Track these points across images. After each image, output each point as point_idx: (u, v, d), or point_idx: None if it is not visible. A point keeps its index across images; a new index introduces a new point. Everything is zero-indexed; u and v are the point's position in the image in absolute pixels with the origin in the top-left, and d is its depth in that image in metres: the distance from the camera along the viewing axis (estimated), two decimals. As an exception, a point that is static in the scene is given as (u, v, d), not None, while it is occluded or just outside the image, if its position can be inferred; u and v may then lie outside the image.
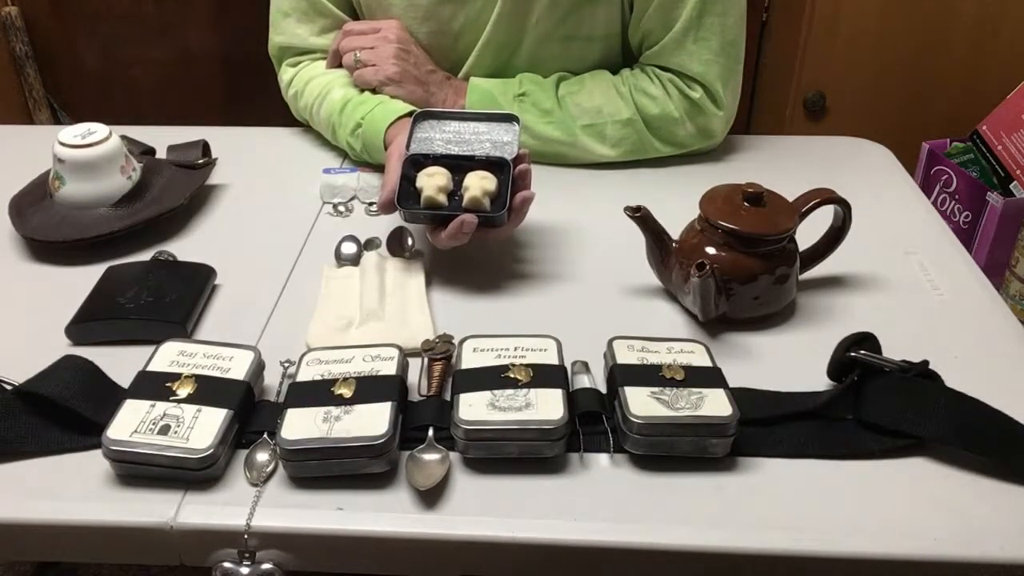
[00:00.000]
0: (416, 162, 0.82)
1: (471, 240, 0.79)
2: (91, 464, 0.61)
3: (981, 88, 1.63)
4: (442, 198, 0.79)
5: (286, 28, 1.04)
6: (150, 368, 0.65)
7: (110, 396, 0.65)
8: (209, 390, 0.63)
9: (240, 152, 1.04)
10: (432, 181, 0.79)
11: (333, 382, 0.64)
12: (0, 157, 1.06)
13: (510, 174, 0.80)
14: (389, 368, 0.66)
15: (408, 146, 0.84)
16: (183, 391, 0.63)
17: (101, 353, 0.70)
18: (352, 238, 0.87)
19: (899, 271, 0.84)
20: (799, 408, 0.66)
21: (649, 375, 0.65)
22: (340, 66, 1.02)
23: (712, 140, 1.02)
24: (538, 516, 0.58)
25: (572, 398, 0.64)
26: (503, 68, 1.02)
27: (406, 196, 0.80)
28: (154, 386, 0.63)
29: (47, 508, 0.59)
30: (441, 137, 0.85)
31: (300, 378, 0.65)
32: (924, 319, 0.77)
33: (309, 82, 1.03)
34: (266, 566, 0.58)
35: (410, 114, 0.93)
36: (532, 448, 0.61)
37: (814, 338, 0.74)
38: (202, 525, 0.58)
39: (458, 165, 0.82)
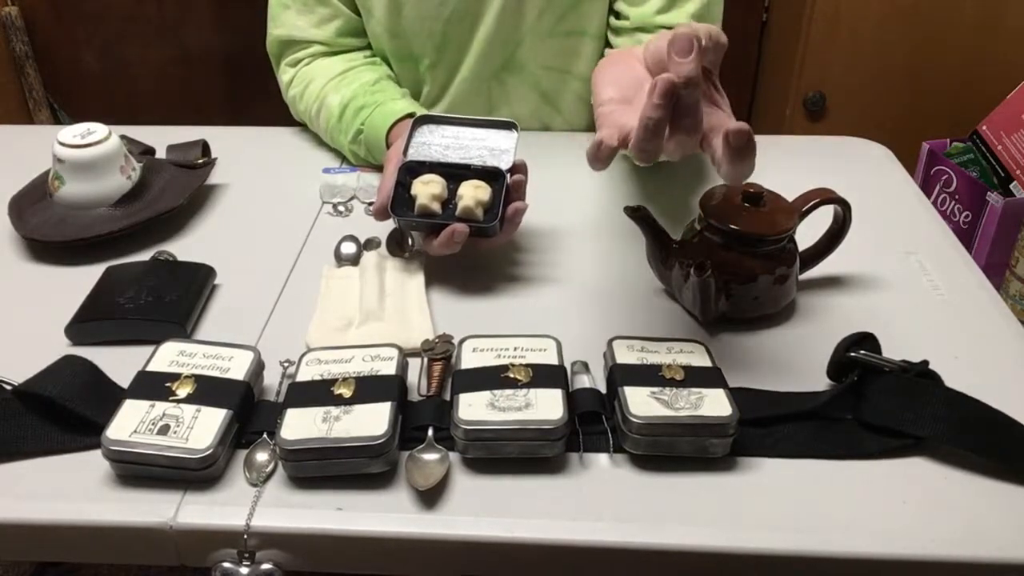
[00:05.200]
0: (412, 169, 0.82)
1: (463, 249, 0.79)
2: (90, 464, 0.61)
3: (981, 88, 1.63)
4: (436, 206, 0.79)
5: (286, 20, 1.04)
6: (149, 368, 0.65)
7: (110, 396, 0.65)
8: (209, 390, 0.63)
9: (240, 152, 1.04)
10: (427, 189, 0.79)
11: (333, 382, 0.64)
12: (0, 157, 1.06)
13: (504, 184, 0.80)
14: (389, 368, 0.66)
15: (405, 151, 0.84)
16: (183, 391, 0.63)
17: (101, 353, 0.70)
18: (352, 238, 0.87)
19: (899, 271, 0.84)
20: (799, 408, 0.66)
21: (649, 375, 0.65)
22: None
23: None
24: (538, 516, 0.58)
25: (572, 398, 0.64)
26: (507, 62, 1.03)
27: (401, 203, 0.81)
28: (154, 386, 0.63)
29: (47, 508, 0.59)
30: (440, 142, 0.85)
31: (300, 378, 0.65)
32: (924, 319, 0.77)
33: (308, 86, 1.03)
34: (266, 566, 0.58)
35: (410, 115, 0.93)
36: (532, 448, 0.61)
37: (814, 338, 0.74)
38: (202, 525, 0.58)
39: (454, 174, 0.82)
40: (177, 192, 0.91)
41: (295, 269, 0.84)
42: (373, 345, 0.68)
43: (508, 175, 0.81)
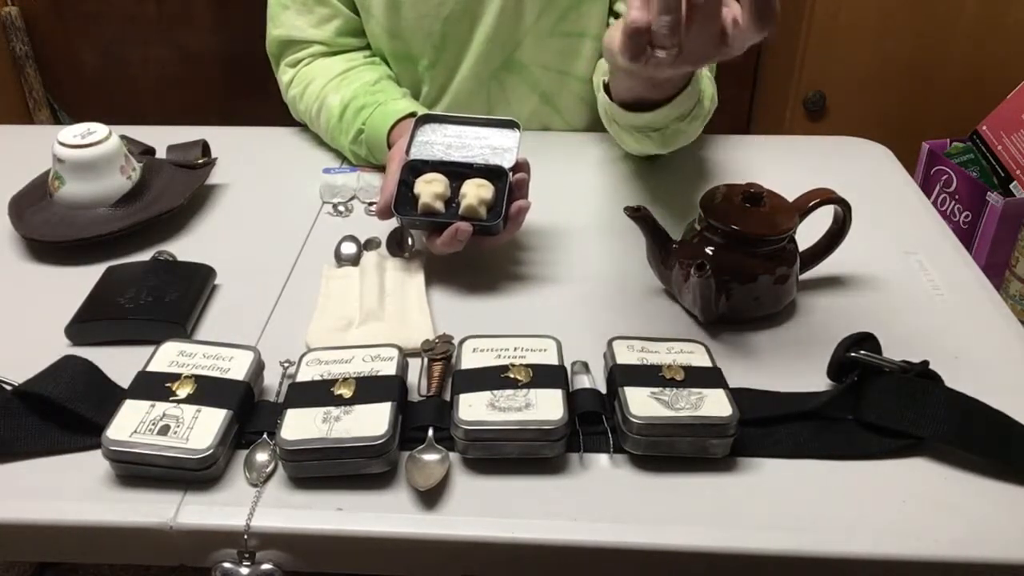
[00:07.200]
0: (415, 168, 0.83)
1: (466, 247, 0.79)
2: (91, 464, 0.61)
3: (981, 88, 1.63)
4: (439, 205, 0.80)
5: (285, 20, 1.04)
6: (150, 368, 0.65)
7: (110, 396, 0.65)
8: (209, 390, 0.63)
9: (240, 152, 1.04)
10: (430, 188, 0.80)
11: (333, 382, 0.64)
12: (0, 157, 1.06)
13: (507, 183, 0.81)
14: (389, 368, 0.66)
15: (408, 150, 0.84)
16: (183, 391, 0.63)
17: (101, 353, 0.70)
18: (352, 238, 0.87)
19: (899, 271, 0.84)
20: (799, 408, 0.66)
21: (649, 375, 0.65)
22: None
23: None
24: (538, 516, 0.58)
25: (572, 398, 0.64)
26: (506, 63, 1.03)
27: (404, 201, 0.81)
28: (154, 386, 0.63)
29: (47, 508, 0.59)
30: (442, 141, 0.86)
31: (300, 378, 0.65)
32: (924, 319, 0.77)
33: (308, 86, 1.03)
34: (266, 566, 0.58)
35: (411, 115, 0.93)
36: (532, 448, 0.61)
37: (814, 338, 0.74)
38: (202, 525, 0.58)
39: (456, 172, 0.82)
40: (177, 192, 0.91)
41: (295, 269, 0.84)
42: (373, 345, 0.68)
43: (511, 173, 0.81)
